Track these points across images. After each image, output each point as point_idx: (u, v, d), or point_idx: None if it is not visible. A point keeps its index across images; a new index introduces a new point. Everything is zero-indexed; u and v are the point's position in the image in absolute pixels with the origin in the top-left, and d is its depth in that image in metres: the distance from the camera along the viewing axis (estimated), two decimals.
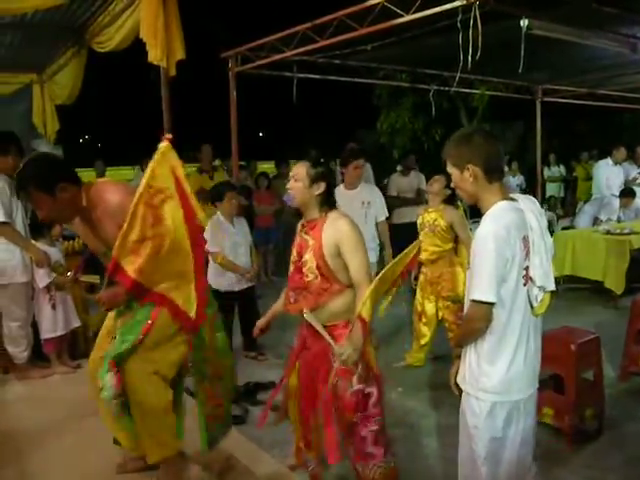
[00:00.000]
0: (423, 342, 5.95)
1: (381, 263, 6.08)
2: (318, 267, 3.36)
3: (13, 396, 4.91)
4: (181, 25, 5.34)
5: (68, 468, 3.63)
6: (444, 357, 6.24)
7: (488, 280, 2.67)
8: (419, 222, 5.90)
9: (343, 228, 3.37)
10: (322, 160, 3.66)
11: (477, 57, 4.87)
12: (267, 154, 14.13)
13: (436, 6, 5.05)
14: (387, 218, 6.37)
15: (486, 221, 2.74)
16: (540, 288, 2.84)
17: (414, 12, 5.23)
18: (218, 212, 6.07)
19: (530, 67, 6.38)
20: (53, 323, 5.21)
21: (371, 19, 5.58)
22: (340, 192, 6.03)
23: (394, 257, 5.02)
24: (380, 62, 8.70)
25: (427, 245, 5.72)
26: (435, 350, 6.21)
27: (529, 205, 2.87)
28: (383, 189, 11.54)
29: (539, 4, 5.34)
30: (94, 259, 6.04)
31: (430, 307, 5.84)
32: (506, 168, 13.10)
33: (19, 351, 5.09)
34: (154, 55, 5.20)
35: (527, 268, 2.79)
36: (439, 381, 5.66)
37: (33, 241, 5.19)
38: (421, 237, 5.76)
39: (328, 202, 3.53)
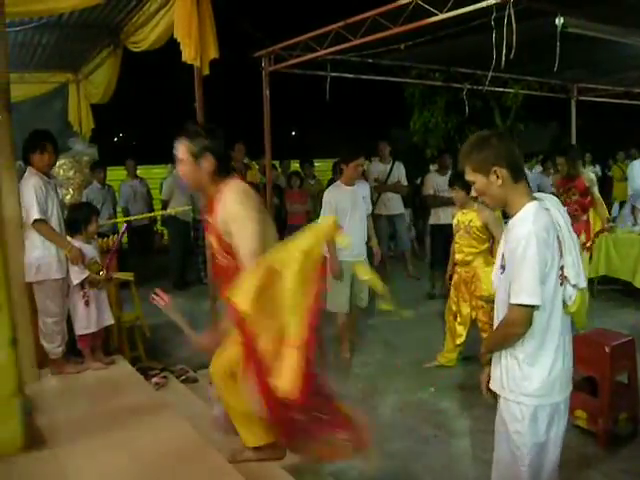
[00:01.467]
0: (459, 342, 5.93)
1: (369, 255, 6.47)
2: (222, 248, 3.26)
3: (48, 390, 4.97)
4: (215, 24, 5.37)
5: (102, 464, 3.66)
6: (476, 357, 6.21)
7: (533, 283, 2.63)
8: (454, 223, 5.91)
9: (228, 206, 3.18)
10: (209, 129, 3.33)
11: (511, 55, 4.82)
12: (300, 153, 14.12)
13: (470, 4, 5.01)
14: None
15: (525, 223, 2.69)
16: (574, 287, 2.82)
17: (447, 10, 5.20)
18: None
19: (565, 65, 6.33)
20: (87, 320, 5.26)
21: (404, 18, 5.56)
22: (340, 188, 6.33)
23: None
24: (413, 61, 8.66)
25: (463, 246, 5.74)
26: (467, 350, 6.18)
27: (554, 204, 2.85)
28: (416, 188, 11.54)
29: (574, 1, 5.27)
30: (125, 257, 6.09)
31: (465, 307, 5.80)
32: (540, 167, 12.98)
33: (53, 347, 5.15)
34: (188, 54, 5.24)
35: (562, 267, 2.77)
36: (472, 382, 5.61)
37: (69, 238, 5.25)
38: (456, 239, 5.81)
39: (220, 174, 3.27)
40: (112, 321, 5.53)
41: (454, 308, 5.91)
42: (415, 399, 5.30)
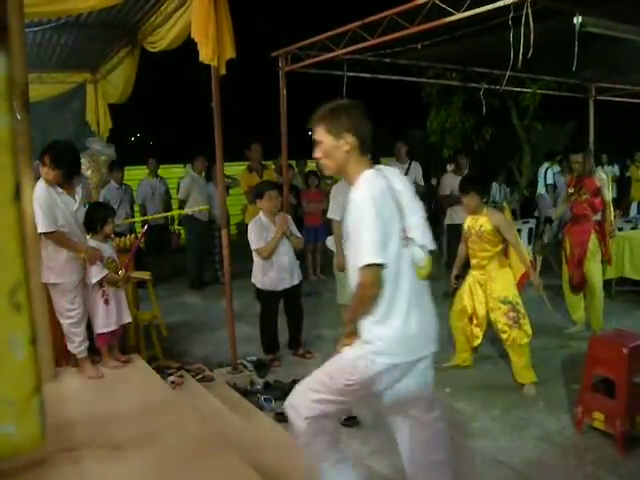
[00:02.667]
0: (475, 343, 5.89)
1: None
2: None
3: (65, 388, 5.00)
4: (232, 24, 5.38)
5: (118, 463, 3.68)
6: (492, 357, 6.19)
7: (373, 243, 2.72)
8: (465, 228, 5.84)
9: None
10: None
11: (529, 55, 4.80)
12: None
13: (487, 4, 4.99)
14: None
15: (360, 188, 2.83)
16: (422, 247, 2.91)
17: (465, 10, 5.18)
18: (260, 212, 6.15)
19: (583, 65, 6.27)
20: (106, 318, 5.30)
21: (421, 17, 5.55)
22: (347, 185, 6.17)
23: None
24: (430, 60, 8.63)
25: (477, 252, 5.69)
26: (484, 350, 6.17)
27: (394, 172, 3.04)
28: (433, 189, 11.50)
29: (593, 1, 5.24)
30: (142, 256, 6.12)
31: (481, 309, 5.71)
32: (558, 167, 12.90)
33: (72, 347, 5.18)
34: (205, 54, 5.25)
35: (405, 230, 2.85)
36: (489, 383, 5.62)
37: (88, 236, 5.30)
38: (469, 244, 5.75)
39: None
40: (130, 319, 5.57)
41: (469, 311, 5.81)
42: None
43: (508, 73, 5.97)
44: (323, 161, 3.04)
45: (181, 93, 20.16)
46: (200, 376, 5.74)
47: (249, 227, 6.18)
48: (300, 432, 3.03)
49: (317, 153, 3.05)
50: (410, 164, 9.47)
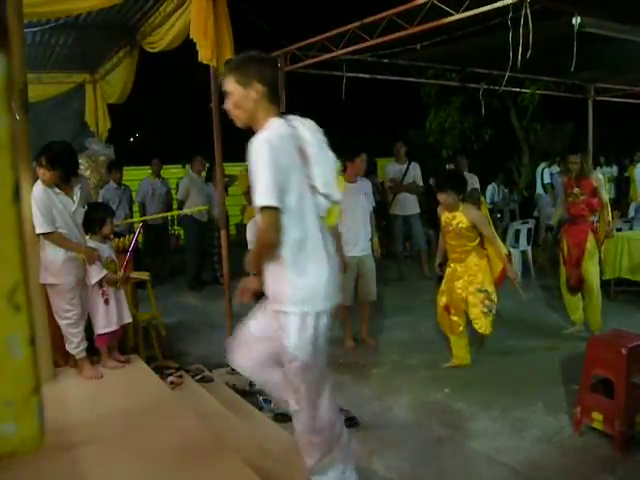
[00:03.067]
0: (459, 330, 5.92)
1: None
2: None
3: (64, 389, 5.00)
4: (231, 25, 5.39)
5: (117, 464, 3.68)
6: (493, 358, 6.19)
7: (268, 186, 2.74)
8: (442, 223, 5.93)
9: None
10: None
11: (528, 55, 4.81)
12: None
13: (486, 4, 5.00)
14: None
15: (261, 133, 2.84)
16: (325, 197, 2.96)
17: (464, 10, 5.19)
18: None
19: (582, 65, 6.29)
20: (106, 318, 5.29)
21: (420, 18, 5.56)
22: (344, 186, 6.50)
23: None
24: (429, 61, 8.65)
25: (456, 247, 5.81)
26: (482, 351, 6.18)
27: (304, 123, 3.04)
28: (431, 188, 11.52)
29: (591, 1, 5.25)
30: (141, 257, 6.12)
31: (457, 297, 5.82)
32: (557, 168, 12.91)
33: (71, 348, 5.18)
34: (204, 55, 5.26)
35: (308, 177, 2.89)
36: (488, 383, 5.62)
37: (87, 237, 5.30)
38: (447, 240, 5.87)
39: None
40: (131, 319, 5.57)
41: (444, 300, 5.93)
42: (430, 399, 5.29)
43: (507, 73, 5.98)
44: (234, 112, 3.05)
45: (180, 93, 20.15)
46: (199, 376, 5.74)
47: (247, 227, 6.19)
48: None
49: (227, 104, 3.07)
50: (409, 164, 9.49)
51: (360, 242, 6.54)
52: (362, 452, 4.37)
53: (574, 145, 8.00)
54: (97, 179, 9.68)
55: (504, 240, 10.19)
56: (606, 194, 6.85)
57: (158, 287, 8.93)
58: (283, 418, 4.89)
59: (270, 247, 2.86)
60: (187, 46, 5.55)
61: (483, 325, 5.73)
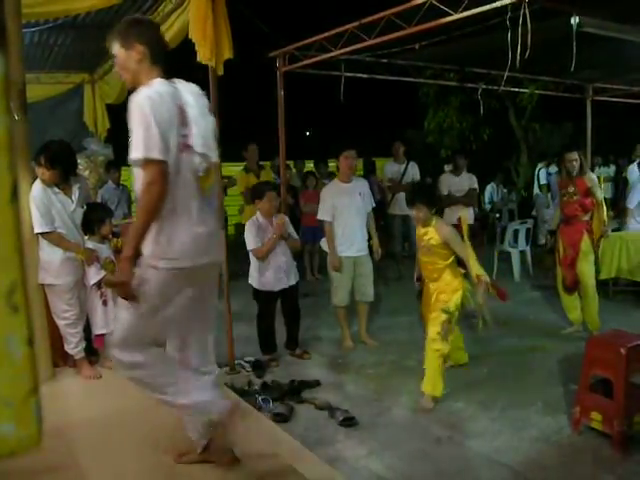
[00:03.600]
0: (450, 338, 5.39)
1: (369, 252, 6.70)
2: None
3: (62, 389, 5.00)
4: (229, 25, 5.38)
5: (115, 464, 3.68)
6: (491, 358, 6.19)
7: (151, 139, 2.78)
8: (416, 237, 5.55)
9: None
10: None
11: (526, 55, 4.81)
12: (314, 153, 14.15)
13: (485, 4, 5.00)
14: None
15: (142, 91, 2.91)
16: (202, 156, 3.00)
17: (462, 10, 5.18)
18: (258, 212, 6.15)
19: (581, 65, 6.29)
20: (104, 319, 5.29)
21: (419, 18, 5.55)
22: (337, 186, 6.62)
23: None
24: (428, 61, 8.64)
25: (427, 264, 5.37)
26: (483, 348, 6.18)
27: (187, 86, 3.12)
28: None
29: (590, 1, 5.25)
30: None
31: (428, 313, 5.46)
32: (555, 168, 12.92)
33: (69, 348, 5.18)
34: (203, 55, 5.25)
35: (185, 136, 2.93)
36: (488, 383, 5.62)
37: (86, 237, 5.30)
38: (419, 255, 5.49)
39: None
40: None
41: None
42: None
43: (506, 73, 5.97)
44: (122, 75, 3.17)
45: None
46: None
47: (246, 227, 6.19)
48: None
49: (116, 67, 3.20)
50: (408, 164, 9.49)
51: (356, 242, 6.49)
52: (361, 452, 4.38)
53: (572, 144, 8.00)
54: (96, 179, 9.67)
55: (502, 240, 10.23)
56: (601, 194, 6.86)
57: None
58: (281, 418, 4.90)
59: (159, 203, 2.85)
60: (186, 46, 5.54)
61: (435, 347, 5.09)
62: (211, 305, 3.43)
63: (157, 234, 2.93)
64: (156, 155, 2.78)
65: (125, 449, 3.81)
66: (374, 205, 6.84)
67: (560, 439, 4.53)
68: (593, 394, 4.51)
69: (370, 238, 6.71)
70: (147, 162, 2.79)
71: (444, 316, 5.11)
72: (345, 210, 6.43)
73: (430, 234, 5.25)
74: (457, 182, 9.01)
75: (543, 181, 13.00)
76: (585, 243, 6.69)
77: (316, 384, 5.66)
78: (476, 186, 9.18)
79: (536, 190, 13.25)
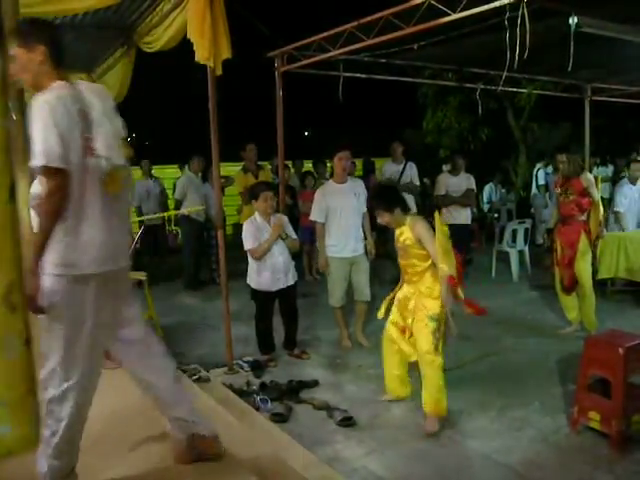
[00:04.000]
0: (413, 358, 5.10)
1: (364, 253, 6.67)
2: None
3: None
4: (228, 25, 5.38)
5: (112, 465, 3.67)
6: (490, 358, 6.20)
7: (50, 146, 2.73)
8: (395, 242, 5.18)
9: None
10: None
11: (525, 55, 4.81)
12: (313, 153, 14.17)
13: (483, 4, 5.00)
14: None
15: (41, 95, 2.85)
16: (107, 159, 2.94)
17: (461, 10, 5.18)
18: (256, 212, 6.16)
19: (579, 65, 6.29)
20: None
21: (417, 18, 5.55)
22: (331, 186, 6.67)
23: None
24: (426, 61, 8.65)
25: (406, 267, 5.01)
26: (479, 351, 6.18)
27: (92, 88, 3.12)
28: (426, 188, 11.54)
29: (588, 1, 5.25)
30: (138, 257, 6.11)
31: (403, 325, 5.08)
32: (551, 168, 12.93)
33: None
34: (201, 55, 5.25)
35: (88, 140, 2.88)
36: (486, 383, 5.62)
37: None
38: (399, 258, 5.10)
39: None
40: None
41: (402, 324, 5.09)
42: None
43: (504, 74, 5.97)
44: (21, 77, 3.10)
45: (178, 93, 20.16)
46: (196, 377, 5.73)
47: (244, 227, 6.19)
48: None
49: (13, 70, 3.13)
50: (406, 164, 9.49)
51: (350, 243, 6.50)
52: (360, 452, 4.38)
53: (563, 146, 8.00)
54: None
55: (501, 240, 10.24)
56: (598, 194, 6.88)
57: (155, 287, 8.91)
58: (280, 418, 4.90)
59: (61, 210, 2.79)
60: (185, 46, 5.54)
61: (429, 359, 4.75)
62: (130, 314, 3.29)
63: (60, 241, 2.84)
64: (56, 163, 2.72)
65: (121, 451, 3.80)
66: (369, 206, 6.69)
67: (558, 439, 4.53)
68: (591, 394, 4.52)
69: (365, 238, 6.72)
70: (47, 170, 2.73)
71: (432, 324, 4.75)
72: (340, 211, 6.47)
73: (405, 234, 4.94)
74: (455, 182, 9.04)
75: (541, 181, 13.02)
76: (583, 243, 6.70)
77: (315, 384, 5.66)
78: (474, 187, 9.21)
79: (534, 190, 13.26)
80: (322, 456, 4.25)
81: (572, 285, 6.83)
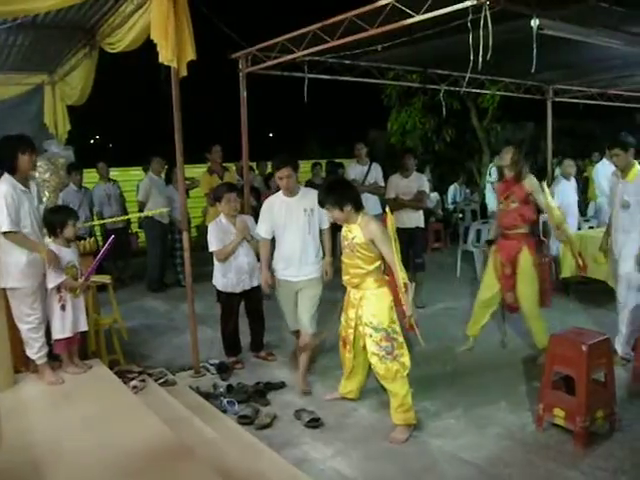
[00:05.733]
0: (347, 372, 5.22)
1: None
2: None
3: (25, 395, 4.92)
4: (192, 26, 5.35)
5: (79, 469, 3.63)
6: (456, 358, 6.24)
7: None
8: (341, 238, 4.99)
9: None
10: None
11: (488, 57, 4.85)
12: (278, 154, 14.16)
13: (446, 6, 5.04)
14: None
15: None
16: None
17: (424, 12, 5.21)
18: (221, 214, 6.13)
19: (541, 67, 6.37)
20: (62, 324, 5.21)
21: (381, 19, 5.57)
22: (280, 199, 5.71)
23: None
24: (390, 62, 8.68)
25: (348, 267, 4.81)
26: (443, 353, 6.22)
27: None
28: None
29: (550, 4, 5.31)
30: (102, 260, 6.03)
31: (350, 333, 4.96)
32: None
33: (32, 353, 5.10)
34: (165, 56, 5.22)
35: None
36: (452, 382, 5.67)
37: (50, 239, 5.22)
38: (342, 257, 4.91)
39: None
40: (86, 327, 5.47)
41: (343, 334, 5.08)
42: None
43: (468, 75, 6.03)
44: None
45: (142, 94, 20.00)
46: (162, 380, 5.69)
47: (209, 228, 6.15)
48: None
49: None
50: (371, 165, 9.49)
51: (294, 265, 5.63)
52: (328, 453, 4.38)
53: (535, 146, 8.01)
54: (56, 182, 9.52)
55: (465, 240, 10.33)
56: (545, 197, 6.12)
57: (120, 290, 8.84)
58: (246, 420, 4.88)
59: None
60: (148, 47, 5.50)
61: (382, 370, 4.63)
62: None
63: None
64: None
65: (89, 456, 3.76)
66: (326, 225, 5.81)
67: (524, 436, 4.58)
68: (556, 391, 4.58)
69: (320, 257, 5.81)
70: None
71: (378, 335, 4.62)
72: (283, 227, 5.65)
73: (354, 232, 4.73)
74: (405, 184, 8.33)
75: (492, 179, 13.10)
76: (525, 259, 6.02)
77: (282, 386, 5.66)
78: (426, 188, 8.57)
79: (488, 187, 13.28)
80: (290, 458, 4.25)
81: (515, 306, 6.25)
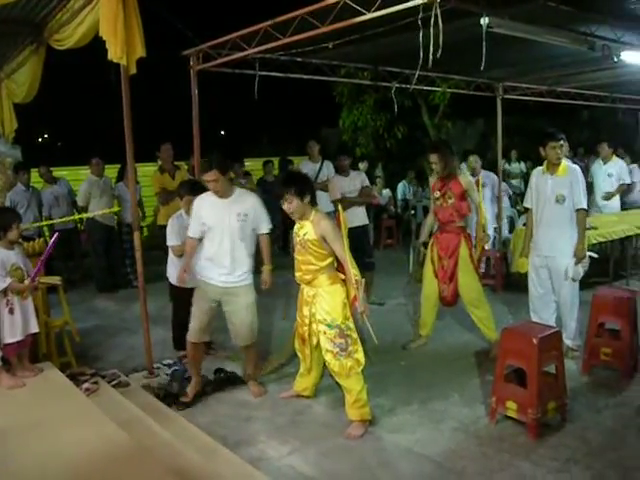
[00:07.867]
0: (306, 369, 5.23)
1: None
2: None
3: None
4: (141, 23, 5.29)
5: (31, 474, 3.57)
6: (410, 354, 6.29)
7: None
8: (293, 231, 4.99)
9: None
10: None
11: (438, 55, 4.89)
12: (230, 153, 14.10)
13: (397, 4, 5.06)
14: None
15: None
16: None
17: (375, 10, 5.23)
18: (182, 209, 6.08)
19: (491, 65, 6.44)
20: (11, 328, 5.10)
21: (332, 17, 5.58)
22: (211, 200, 5.32)
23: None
24: (342, 60, 8.69)
25: (300, 264, 4.82)
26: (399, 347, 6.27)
27: None
28: None
29: (499, 3, 5.38)
30: (51, 261, 5.94)
31: (305, 330, 4.96)
32: (464, 165, 13.21)
33: None
34: (114, 53, 5.14)
35: None
36: (407, 379, 5.71)
37: None
38: (295, 254, 4.91)
39: None
40: (37, 329, 5.37)
41: (300, 331, 5.07)
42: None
43: (418, 72, 6.07)
44: None
45: (90, 92, 19.73)
46: (115, 382, 5.63)
47: (169, 223, 6.08)
48: None
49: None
50: (322, 163, 9.49)
51: (223, 269, 5.27)
52: (284, 451, 4.38)
53: (486, 143, 8.03)
54: (3, 181, 9.34)
55: (417, 236, 10.39)
56: (478, 196, 6.40)
57: (71, 291, 8.71)
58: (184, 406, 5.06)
59: None
60: (97, 43, 5.41)
61: (337, 367, 4.66)
62: None
63: None
64: None
65: (42, 460, 3.70)
66: (269, 230, 5.53)
67: (478, 429, 4.64)
68: (508, 384, 4.65)
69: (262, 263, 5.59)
70: None
71: (332, 332, 4.64)
72: (214, 231, 5.28)
73: (306, 228, 4.73)
74: (348, 183, 8.28)
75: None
76: (463, 250, 6.17)
77: (240, 381, 5.67)
78: (367, 183, 8.55)
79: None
80: (246, 457, 4.24)
81: (454, 300, 6.37)
